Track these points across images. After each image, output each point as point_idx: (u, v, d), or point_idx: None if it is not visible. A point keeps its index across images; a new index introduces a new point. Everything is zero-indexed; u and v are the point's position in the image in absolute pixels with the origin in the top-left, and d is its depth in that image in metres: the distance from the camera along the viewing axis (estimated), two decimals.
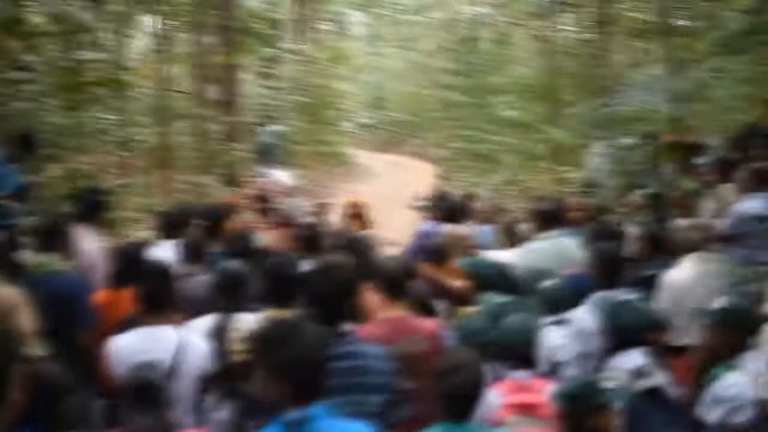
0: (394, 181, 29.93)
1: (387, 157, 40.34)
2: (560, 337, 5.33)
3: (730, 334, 4.28)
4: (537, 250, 6.43)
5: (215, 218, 7.30)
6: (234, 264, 5.27)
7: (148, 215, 13.81)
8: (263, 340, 3.10)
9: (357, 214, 10.93)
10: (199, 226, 7.24)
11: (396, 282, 4.56)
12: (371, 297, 4.71)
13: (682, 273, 5.71)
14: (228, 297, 5.01)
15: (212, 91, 14.73)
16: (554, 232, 6.52)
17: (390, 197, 24.88)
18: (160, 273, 4.68)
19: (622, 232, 6.51)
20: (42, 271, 4.18)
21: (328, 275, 3.89)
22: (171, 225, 6.99)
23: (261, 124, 25.41)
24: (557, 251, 6.38)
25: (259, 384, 3.05)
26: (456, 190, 19.42)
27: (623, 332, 4.42)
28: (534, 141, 18.00)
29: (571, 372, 5.05)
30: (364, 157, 38.88)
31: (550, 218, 6.55)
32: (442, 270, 6.47)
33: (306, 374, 2.98)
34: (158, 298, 4.58)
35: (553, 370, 5.20)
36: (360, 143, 45.86)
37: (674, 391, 4.37)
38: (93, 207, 6.85)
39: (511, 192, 17.25)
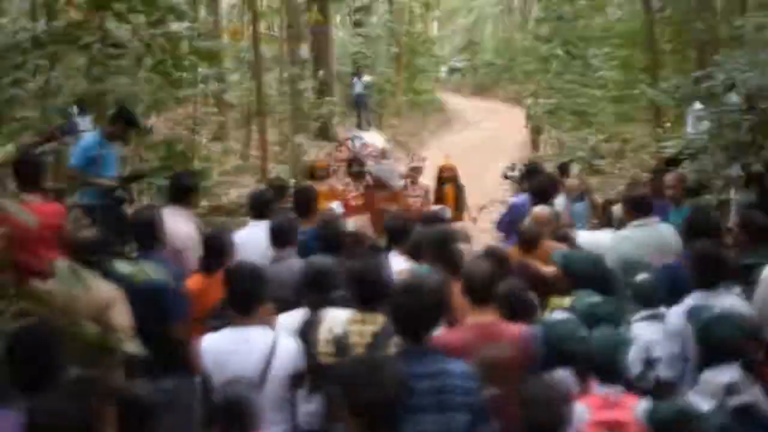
0: (489, 129, 29.71)
1: (481, 103, 39.99)
2: (653, 333, 5.23)
3: None
4: (632, 238, 6.26)
5: (306, 199, 7.30)
6: (322, 259, 5.30)
7: (242, 175, 14.09)
8: (341, 382, 3.16)
9: (449, 178, 10.88)
10: (289, 207, 7.32)
11: (482, 288, 4.53)
12: (460, 299, 4.71)
13: None
14: (316, 292, 5.05)
15: (303, 50, 14.67)
16: (649, 219, 6.34)
17: (484, 146, 24.74)
18: (247, 274, 4.70)
19: (719, 224, 6.26)
20: (136, 280, 4.27)
21: (414, 295, 3.87)
22: (261, 205, 7.02)
23: (354, 75, 25.52)
24: (653, 240, 6.22)
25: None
26: (550, 146, 19.33)
27: (716, 348, 4.30)
28: (631, 100, 17.65)
29: (665, 372, 4.97)
30: (457, 103, 38.61)
31: (644, 204, 6.36)
32: (531, 254, 6.40)
33: (381, 413, 3.11)
34: (246, 300, 4.63)
35: (646, 369, 5.15)
36: (454, 89, 45.61)
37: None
38: (185, 190, 6.93)
39: (607, 150, 16.92)
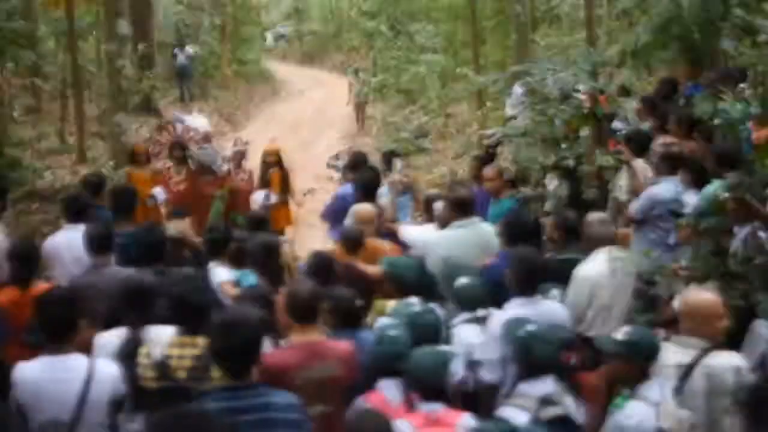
0: (316, 100, 29.65)
1: (308, 72, 39.85)
2: (474, 336, 5.40)
3: (631, 365, 4.38)
4: (453, 238, 6.41)
5: (125, 199, 7.05)
6: (141, 275, 5.15)
7: (59, 156, 13.49)
8: None
9: (275, 162, 10.79)
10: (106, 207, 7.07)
11: (306, 308, 4.56)
12: (286, 318, 4.71)
13: (594, 268, 5.79)
14: (136, 311, 4.91)
15: (123, 24, 14.12)
16: (470, 219, 6.51)
17: (312, 119, 24.72)
18: (60, 301, 4.47)
19: (537, 226, 6.50)
20: None
21: (232, 333, 3.81)
22: (77, 208, 6.73)
23: (176, 46, 24.85)
24: (474, 240, 6.39)
25: None
26: (374, 124, 19.49)
27: (532, 365, 4.48)
28: (455, 79, 18.07)
29: (487, 376, 5.13)
30: (284, 72, 38.30)
31: (466, 205, 6.52)
32: (356, 254, 6.44)
33: None
34: (60, 328, 4.41)
35: (467, 371, 5.31)
36: (280, 56, 45.19)
37: (582, 417, 4.46)
38: None
39: (432, 128, 17.22)
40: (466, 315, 5.54)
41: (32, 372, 4.35)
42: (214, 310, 4.58)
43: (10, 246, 5.86)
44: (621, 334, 4.51)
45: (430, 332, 5.01)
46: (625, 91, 9.56)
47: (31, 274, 5.66)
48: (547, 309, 5.32)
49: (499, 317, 5.22)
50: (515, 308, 5.24)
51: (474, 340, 5.39)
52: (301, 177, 16.64)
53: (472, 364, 5.34)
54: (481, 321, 5.48)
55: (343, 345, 4.65)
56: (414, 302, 5.42)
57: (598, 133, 7.98)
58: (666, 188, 6.88)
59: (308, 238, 12.44)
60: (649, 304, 5.88)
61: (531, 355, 4.49)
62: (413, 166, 15.15)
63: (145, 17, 21.56)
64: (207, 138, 11.03)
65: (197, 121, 11.29)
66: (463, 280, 5.64)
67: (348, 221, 7.29)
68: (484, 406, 4.88)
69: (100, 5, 16.57)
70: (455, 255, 6.24)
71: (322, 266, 5.76)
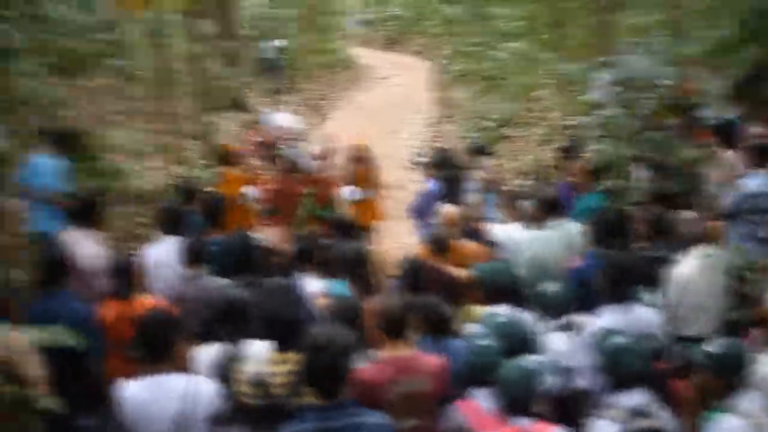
0: (400, 85, 29.67)
1: (390, 57, 39.85)
2: (564, 343, 5.44)
3: (721, 379, 4.35)
4: (542, 239, 6.48)
5: (215, 209, 7.26)
6: (236, 290, 5.31)
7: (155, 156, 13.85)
8: None
9: (361, 158, 10.92)
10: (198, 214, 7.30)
11: (396, 323, 4.64)
12: (377, 332, 4.81)
13: (686, 268, 5.75)
14: (232, 325, 5.07)
15: (208, 25, 14.42)
16: (558, 220, 6.54)
17: (396, 106, 24.77)
18: (160, 323, 4.65)
19: (625, 222, 6.46)
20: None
21: (323, 353, 3.91)
22: (171, 221, 6.96)
23: (263, 40, 25.17)
24: (562, 241, 6.44)
25: None
26: (459, 111, 19.42)
27: (622, 375, 4.49)
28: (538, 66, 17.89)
29: (581, 383, 5.18)
30: (368, 57, 38.35)
31: (554, 206, 6.56)
32: (443, 257, 6.52)
33: None
34: (161, 348, 4.60)
35: (559, 379, 5.35)
36: (364, 42, 45.25)
37: (674, 429, 4.46)
38: (87, 210, 6.80)
39: (516, 112, 17.10)
40: (554, 322, 5.58)
41: (136, 391, 4.54)
42: (307, 324, 4.75)
43: (108, 262, 6.08)
44: (711, 345, 4.48)
45: (521, 341, 5.06)
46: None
47: (129, 288, 5.88)
48: (639, 316, 5.33)
49: (591, 325, 5.25)
50: (607, 316, 5.27)
51: (563, 347, 5.43)
52: (387, 165, 16.84)
53: (562, 372, 5.40)
54: (570, 328, 5.52)
55: (433, 359, 4.72)
56: (503, 310, 5.50)
57: (685, 123, 7.85)
58: (756, 181, 6.74)
59: (395, 231, 12.59)
60: (741, 301, 5.81)
61: (620, 366, 4.50)
62: (497, 154, 15.14)
63: (229, 14, 21.89)
64: (298, 136, 11.19)
65: (286, 119, 11.45)
66: (548, 286, 5.66)
67: (433, 221, 7.38)
68: (576, 413, 4.93)
69: (186, 5, 16.92)
70: (543, 256, 6.29)
71: (414, 273, 5.87)
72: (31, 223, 7.90)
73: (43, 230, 7.49)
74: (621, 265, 5.39)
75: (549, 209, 6.55)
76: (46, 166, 8.13)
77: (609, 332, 4.77)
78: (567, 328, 5.49)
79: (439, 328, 5.16)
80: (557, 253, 6.33)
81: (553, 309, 5.57)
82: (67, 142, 8.42)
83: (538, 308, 5.74)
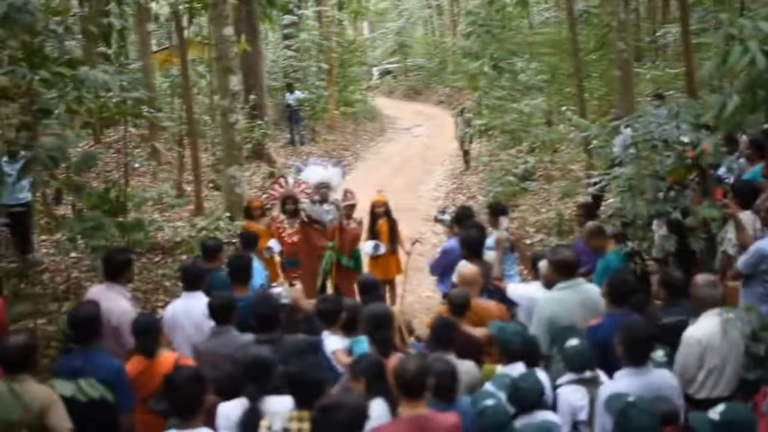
0: (422, 136, 30.01)
1: (413, 106, 40.28)
2: (580, 398, 5.54)
3: None
4: (558, 300, 6.53)
5: (241, 267, 7.41)
6: (259, 348, 5.43)
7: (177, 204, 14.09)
8: None
9: (382, 212, 11.06)
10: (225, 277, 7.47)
11: (413, 384, 4.76)
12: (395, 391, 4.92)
13: (703, 330, 5.80)
14: (254, 382, 5.20)
15: (234, 80, 14.69)
16: (575, 280, 6.62)
17: (418, 159, 25.03)
18: (188, 381, 4.81)
19: (644, 283, 6.55)
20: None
21: (333, 415, 4.05)
22: (194, 277, 7.11)
23: (286, 90, 25.58)
24: (579, 301, 6.50)
25: None
26: (480, 164, 19.59)
27: None
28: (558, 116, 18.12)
29: None
30: (391, 108, 38.77)
31: (569, 267, 6.64)
32: (463, 317, 6.60)
33: None
34: (189, 405, 4.76)
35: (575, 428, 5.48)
36: (386, 92, 45.81)
37: None
38: (118, 266, 6.95)
39: (538, 165, 17.25)
40: (572, 376, 5.67)
41: None
42: (327, 383, 4.89)
43: (133, 320, 6.22)
44: (715, 413, 4.55)
45: (534, 398, 5.17)
46: (732, 141, 9.47)
47: (154, 344, 6.01)
48: (656, 379, 5.41)
49: (609, 387, 5.34)
50: (625, 378, 5.37)
51: (579, 402, 5.53)
52: (410, 217, 17.03)
53: (577, 425, 5.49)
54: (588, 383, 5.61)
55: (449, 417, 4.83)
56: (519, 369, 5.61)
57: (703, 183, 7.92)
58: None
59: (416, 285, 12.69)
60: (758, 361, 5.86)
61: (629, 428, 4.57)
62: (519, 208, 15.28)
63: (255, 65, 22.30)
64: (323, 188, 11.30)
65: (316, 171, 11.55)
66: (572, 342, 5.75)
67: (454, 279, 7.48)
68: None
69: (213, 60, 17.31)
70: (559, 316, 6.38)
71: (445, 331, 5.99)
72: None
73: None
74: (638, 332, 5.46)
75: (565, 270, 6.62)
76: None
77: (620, 394, 4.85)
78: (584, 382, 5.58)
79: (453, 388, 5.24)
80: (574, 313, 6.39)
81: (572, 364, 5.66)
82: None
83: (553, 364, 5.84)
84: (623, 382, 5.32)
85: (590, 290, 6.67)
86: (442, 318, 6.24)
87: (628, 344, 5.41)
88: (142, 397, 5.85)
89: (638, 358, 5.40)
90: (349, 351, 6.15)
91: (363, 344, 6.10)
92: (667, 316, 6.37)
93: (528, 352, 5.86)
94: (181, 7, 16.16)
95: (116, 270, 6.95)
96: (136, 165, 18.26)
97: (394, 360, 5.41)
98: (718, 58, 4.10)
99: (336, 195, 11.23)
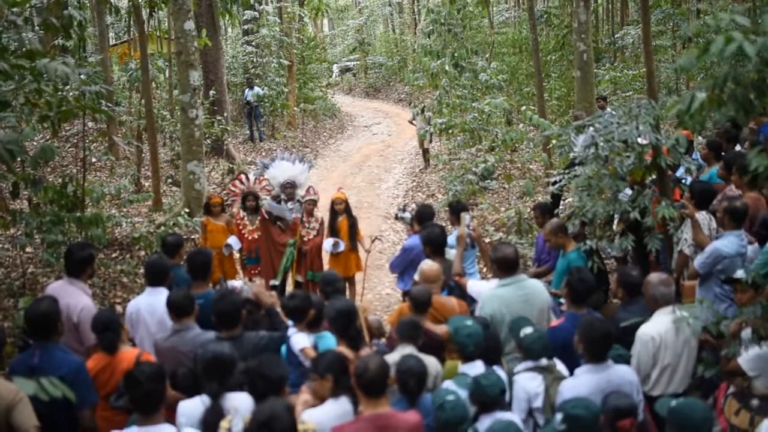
0: (382, 134, 30.01)
1: (373, 104, 40.31)
2: (537, 385, 5.60)
3: None
4: (499, 296, 6.59)
5: (201, 263, 7.34)
6: (218, 346, 5.39)
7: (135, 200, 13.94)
8: None
9: (342, 210, 11.06)
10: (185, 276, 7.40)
11: (375, 383, 4.77)
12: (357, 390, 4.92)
13: (657, 328, 5.89)
14: (215, 380, 5.16)
15: (194, 75, 14.59)
16: (515, 277, 6.67)
17: (379, 156, 25.03)
18: (148, 377, 4.75)
19: (602, 282, 6.62)
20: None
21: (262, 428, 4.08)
22: (158, 273, 7.04)
23: (246, 86, 25.45)
24: (519, 297, 6.57)
25: None
26: (440, 162, 19.67)
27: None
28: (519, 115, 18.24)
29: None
30: (351, 105, 38.78)
31: (508, 264, 6.67)
32: (425, 314, 6.61)
33: None
34: (149, 402, 4.71)
35: (527, 418, 5.57)
36: (346, 89, 45.80)
37: None
38: (80, 262, 6.85)
39: (498, 164, 17.35)
40: (528, 363, 5.73)
41: None
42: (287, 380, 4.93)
43: (94, 317, 6.14)
44: (676, 402, 4.64)
45: (495, 396, 5.20)
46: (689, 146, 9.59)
47: (114, 340, 5.94)
48: (615, 374, 5.48)
49: (569, 383, 5.41)
50: (584, 374, 5.45)
51: (535, 389, 5.59)
52: (370, 215, 17.06)
53: (532, 412, 5.55)
54: (544, 370, 5.67)
55: (411, 416, 4.84)
56: (477, 366, 5.67)
57: (662, 183, 8.02)
58: (730, 242, 6.91)
59: (377, 281, 12.72)
60: (715, 358, 5.96)
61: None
62: (479, 206, 15.34)
63: (215, 61, 22.17)
64: (293, 186, 11.27)
65: (284, 167, 11.48)
66: (527, 330, 5.80)
67: (415, 277, 7.50)
68: None
69: (173, 54, 17.18)
70: (501, 313, 6.44)
71: (412, 330, 6.00)
72: None
73: None
74: (598, 330, 5.51)
75: (504, 267, 6.67)
76: None
77: (572, 401, 4.92)
78: (544, 370, 5.65)
79: (416, 386, 5.25)
80: (513, 309, 6.43)
81: (533, 351, 5.71)
82: None
83: (518, 351, 5.89)
84: (582, 379, 5.39)
85: (532, 286, 6.72)
86: (409, 317, 6.25)
87: (586, 342, 5.48)
88: (103, 394, 5.78)
89: (597, 355, 5.47)
90: (315, 347, 6.15)
91: (327, 340, 6.12)
92: (625, 314, 6.43)
93: (485, 350, 5.89)
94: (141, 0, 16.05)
95: (78, 265, 6.86)
96: (94, 159, 18.07)
97: (363, 354, 5.43)
98: (696, 50, 4.13)
99: (301, 192, 11.23)
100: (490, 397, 5.18)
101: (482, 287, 7.46)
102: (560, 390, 5.41)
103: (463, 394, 5.29)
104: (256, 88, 25.14)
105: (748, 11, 14.77)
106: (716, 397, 5.89)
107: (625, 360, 5.95)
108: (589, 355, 5.49)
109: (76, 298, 6.64)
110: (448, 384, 5.57)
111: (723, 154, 9.15)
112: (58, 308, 5.84)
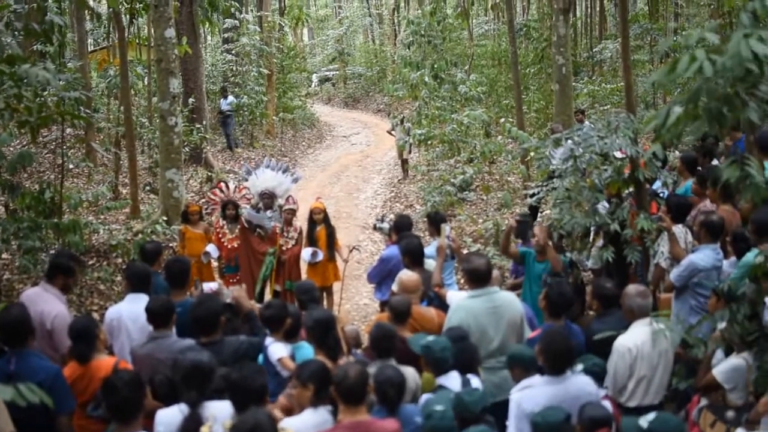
0: (361, 144, 30.05)
1: (353, 114, 40.35)
2: None
3: None
4: (466, 308, 6.54)
5: (180, 271, 7.32)
6: (197, 354, 5.37)
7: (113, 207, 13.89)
8: None
9: (321, 219, 11.07)
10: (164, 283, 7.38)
11: (354, 391, 4.77)
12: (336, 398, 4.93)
13: (633, 340, 5.93)
14: (193, 389, 5.14)
15: (174, 83, 14.58)
16: (486, 289, 6.62)
17: (357, 167, 25.05)
18: (125, 385, 4.72)
19: (579, 294, 6.67)
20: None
21: None
22: (139, 279, 7.01)
23: (223, 95, 25.40)
24: (488, 309, 6.52)
25: None
26: (419, 173, 19.73)
27: None
28: (497, 127, 18.36)
29: None
30: (330, 115, 38.79)
31: (479, 275, 6.66)
32: (404, 325, 6.62)
33: None
34: (127, 410, 4.69)
35: None
36: (325, 99, 45.80)
37: None
38: (59, 270, 6.82)
39: (476, 176, 17.42)
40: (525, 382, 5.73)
41: None
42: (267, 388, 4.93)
43: (70, 324, 6.10)
44: (645, 421, 4.67)
45: (477, 411, 5.21)
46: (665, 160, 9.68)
47: (90, 349, 5.90)
48: (573, 386, 5.48)
49: (526, 393, 5.45)
50: (541, 386, 5.46)
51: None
52: (348, 225, 17.07)
53: None
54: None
55: (389, 425, 4.85)
56: (453, 377, 5.68)
57: (639, 197, 8.11)
58: (705, 256, 6.98)
59: (354, 291, 12.74)
60: (689, 370, 6.01)
61: None
62: (457, 218, 15.40)
63: (194, 69, 22.11)
64: (271, 196, 11.28)
65: (267, 176, 11.47)
66: (512, 347, 5.85)
67: (394, 287, 7.50)
68: None
69: (153, 61, 17.15)
70: (467, 324, 6.40)
71: (385, 339, 5.99)
72: None
73: None
74: (558, 343, 5.52)
75: (474, 279, 6.65)
76: None
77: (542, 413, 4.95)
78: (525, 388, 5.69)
79: (395, 395, 5.26)
80: (481, 321, 6.41)
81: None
82: None
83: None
84: (540, 390, 5.41)
85: (503, 298, 6.66)
86: (383, 327, 6.23)
87: (546, 354, 5.49)
88: (80, 402, 5.75)
89: (556, 367, 5.47)
90: (292, 357, 6.15)
91: (305, 350, 6.11)
92: (599, 326, 6.47)
93: (460, 361, 5.89)
94: (122, 6, 16.01)
95: (57, 273, 6.81)
96: (72, 166, 17.97)
97: (341, 364, 5.43)
98: (666, 68, 4.20)
99: (281, 201, 11.24)
100: (473, 413, 5.19)
101: (459, 298, 7.49)
102: (519, 401, 5.43)
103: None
104: (230, 97, 25.09)
105: (722, 27, 14.98)
106: (688, 410, 5.94)
107: (601, 369, 5.98)
108: (548, 367, 5.50)
109: (50, 305, 6.59)
110: (429, 399, 5.55)
111: (699, 168, 9.24)
112: (28, 314, 5.79)
